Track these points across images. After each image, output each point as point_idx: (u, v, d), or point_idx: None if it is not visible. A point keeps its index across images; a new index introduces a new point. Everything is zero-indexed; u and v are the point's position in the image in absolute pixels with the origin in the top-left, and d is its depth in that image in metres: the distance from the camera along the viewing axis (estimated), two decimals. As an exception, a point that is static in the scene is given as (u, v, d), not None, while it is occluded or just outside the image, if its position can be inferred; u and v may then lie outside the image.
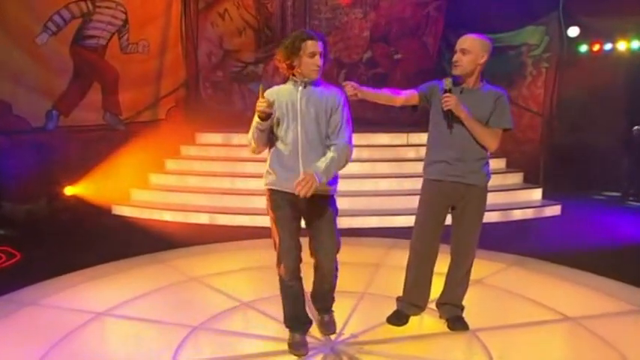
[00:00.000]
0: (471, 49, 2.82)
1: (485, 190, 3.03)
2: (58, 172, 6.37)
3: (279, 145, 2.73)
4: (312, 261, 2.93)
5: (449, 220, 3.10)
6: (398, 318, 3.19)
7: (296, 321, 2.94)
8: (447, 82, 2.88)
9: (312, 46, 2.63)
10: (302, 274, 2.89)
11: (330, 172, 2.62)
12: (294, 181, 2.51)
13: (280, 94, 2.71)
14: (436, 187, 3.01)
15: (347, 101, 2.77)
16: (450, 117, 2.88)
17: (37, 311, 3.53)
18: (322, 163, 2.60)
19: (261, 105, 2.55)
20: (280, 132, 2.72)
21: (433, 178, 3.02)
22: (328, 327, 3.09)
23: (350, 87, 2.79)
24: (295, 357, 2.85)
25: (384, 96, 3.03)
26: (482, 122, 2.88)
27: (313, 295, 3.08)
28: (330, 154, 2.65)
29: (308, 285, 3.01)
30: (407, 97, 3.03)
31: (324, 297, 3.07)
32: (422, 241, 3.09)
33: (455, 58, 2.87)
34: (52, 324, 3.29)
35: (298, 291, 2.88)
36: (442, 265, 3.17)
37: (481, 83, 2.95)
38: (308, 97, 2.69)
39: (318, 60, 2.64)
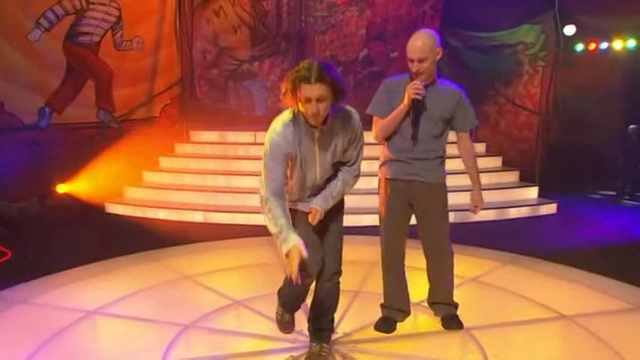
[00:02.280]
0: (427, 55, 2.74)
1: (444, 187, 3.00)
2: (50, 170, 6.33)
3: (295, 182, 2.52)
4: None
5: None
6: (387, 324, 3.13)
7: (289, 308, 2.81)
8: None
9: (305, 90, 2.20)
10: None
11: (334, 202, 2.54)
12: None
13: (297, 143, 2.38)
14: (392, 186, 2.97)
15: (361, 126, 2.53)
16: (417, 109, 2.79)
17: (28, 310, 3.51)
18: (325, 202, 2.50)
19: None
20: (298, 172, 2.47)
21: (389, 177, 2.98)
22: (311, 358, 2.72)
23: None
24: (286, 357, 2.83)
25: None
26: (444, 118, 2.87)
27: (312, 313, 2.82)
28: (335, 189, 2.53)
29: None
30: (383, 132, 2.93)
31: (322, 313, 2.77)
32: (392, 246, 3.05)
33: (415, 68, 2.76)
34: (43, 322, 3.27)
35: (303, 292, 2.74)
36: (413, 260, 3.15)
37: (438, 79, 2.90)
38: (325, 139, 2.40)
39: (313, 107, 2.21)
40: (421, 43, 2.75)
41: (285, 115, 2.39)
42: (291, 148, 2.35)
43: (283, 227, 2.29)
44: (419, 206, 2.98)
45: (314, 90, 2.18)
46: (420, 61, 2.75)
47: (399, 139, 2.92)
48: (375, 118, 2.99)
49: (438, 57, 2.79)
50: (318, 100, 2.21)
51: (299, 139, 2.35)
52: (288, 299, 2.77)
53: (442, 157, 2.96)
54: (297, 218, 2.59)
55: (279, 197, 2.36)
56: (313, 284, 2.76)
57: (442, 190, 3.00)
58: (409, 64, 2.80)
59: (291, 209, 2.57)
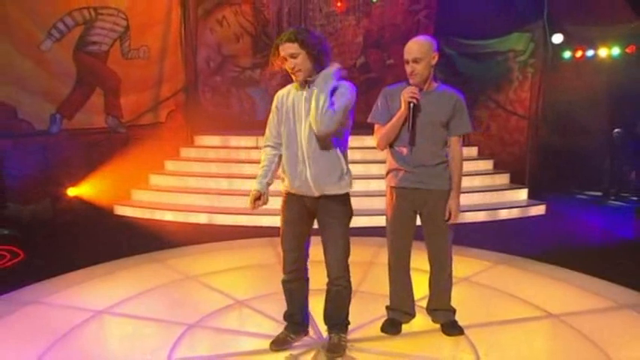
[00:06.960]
0: (423, 56, 2.77)
1: (449, 193, 2.95)
2: (61, 174, 6.46)
3: (285, 150, 2.74)
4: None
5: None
6: (393, 326, 3.15)
7: (289, 318, 2.99)
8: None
9: (281, 50, 2.58)
10: (309, 276, 2.91)
11: (322, 96, 2.57)
12: (304, 186, 2.68)
13: (287, 98, 2.72)
14: (398, 193, 2.97)
15: (348, 81, 2.70)
16: (414, 114, 2.79)
17: (39, 309, 3.54)
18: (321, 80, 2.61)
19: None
20: (285, 136, 2.72)
21: (394, 185, 2.97)
22: (332, 349, 2.84)
23: None
24: (286, 356, 2.87)
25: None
26: (443, 122, 2.88)
27: (325, 311, 2.95)
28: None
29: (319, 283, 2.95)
30: (384, 140, 2.94)
31: (333, 313, 2.91)
32: (397, 250, 3.08)
33: (409, 69, 2.80)
34: (53, 322, 3.31)
35: (293, 290, 2.91)
36: (412, 261, 3.15)
37: (435, 84, 2.91)
38: (310, 96, 2.62)
39: (290, 64, 2.58)
40: (417, 45, 2.80)
41: None
42: (279, 102, 2.76)
43: (259, 175, 2.79)
44: (425, 214, 2.98)
45: (285, 48, 2.57)
46: (415, 61, 2.78)
47: (401, 147, 2.92)
48: (376, 127, 2.99)
49: (434, 61, 2.81)
50: (291, 56, 2.57)
51: (288, 95, 2.73)
52: (286, 302, 2.95)
53: (445, 163, 2.93)
54: (291, 203, 2.81)
55: (270, 146, 2.82)
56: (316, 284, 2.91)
57: (448, 197, 2.95)
58: (405, 66, 2.83)
59: (291, 194, 2.81)
